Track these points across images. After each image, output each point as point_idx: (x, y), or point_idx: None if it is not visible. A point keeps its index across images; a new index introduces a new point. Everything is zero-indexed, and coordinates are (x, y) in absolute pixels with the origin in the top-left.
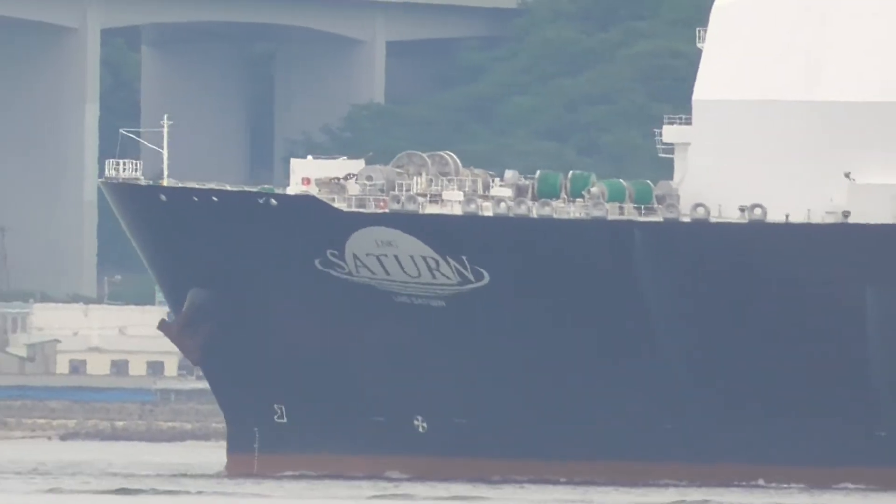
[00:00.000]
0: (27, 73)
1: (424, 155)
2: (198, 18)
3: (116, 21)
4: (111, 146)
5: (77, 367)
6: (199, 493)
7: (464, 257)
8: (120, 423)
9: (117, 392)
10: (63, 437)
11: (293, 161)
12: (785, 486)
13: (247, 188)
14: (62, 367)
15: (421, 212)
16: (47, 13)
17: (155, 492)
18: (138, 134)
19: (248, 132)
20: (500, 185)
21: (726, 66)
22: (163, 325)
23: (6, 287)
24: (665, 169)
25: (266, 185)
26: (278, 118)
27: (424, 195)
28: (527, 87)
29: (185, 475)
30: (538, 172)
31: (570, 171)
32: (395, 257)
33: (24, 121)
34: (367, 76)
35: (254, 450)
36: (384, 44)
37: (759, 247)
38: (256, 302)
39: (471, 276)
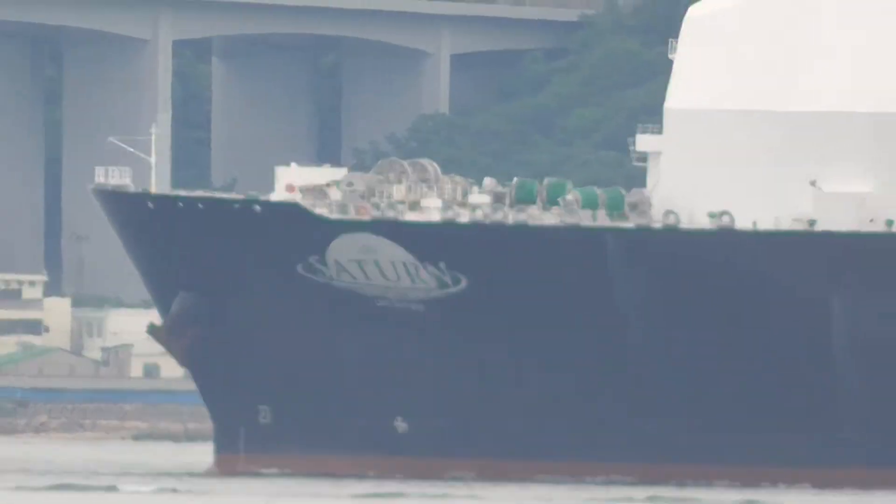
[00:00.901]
0: (101, 83)
1: (405, 162)
2: (266, 30)
3: (187, 33)
4: (183, 155)
5: (150, 371)
6: (188, 491)
7: (442, 263)
8: (192, 426)
9: (190, 395)
10: (136, 438)
11: (278, 169)
12: (753, 486)
13: (233, 195)
14: (136, 370)
15: (400, 218)
16: (120, 25)
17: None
18: (130, 143)
19: (315, 141)
20: (479, 193)
21: (697, 76)
22: (151, 329)
23: (82, 293)
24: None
25: (252, 192)
26: (345, 128)
27: (404, 202)
28: (588, 99)
29: (169, 474)
30: (515, 180)
31: (546, 179)
32: (376, 263)
33: (98, 130)
34: (433, 87)
35: (239, 449)
36: (449, 56)
37: (727, 253)
38: (241, 306)
39: (449, 281)
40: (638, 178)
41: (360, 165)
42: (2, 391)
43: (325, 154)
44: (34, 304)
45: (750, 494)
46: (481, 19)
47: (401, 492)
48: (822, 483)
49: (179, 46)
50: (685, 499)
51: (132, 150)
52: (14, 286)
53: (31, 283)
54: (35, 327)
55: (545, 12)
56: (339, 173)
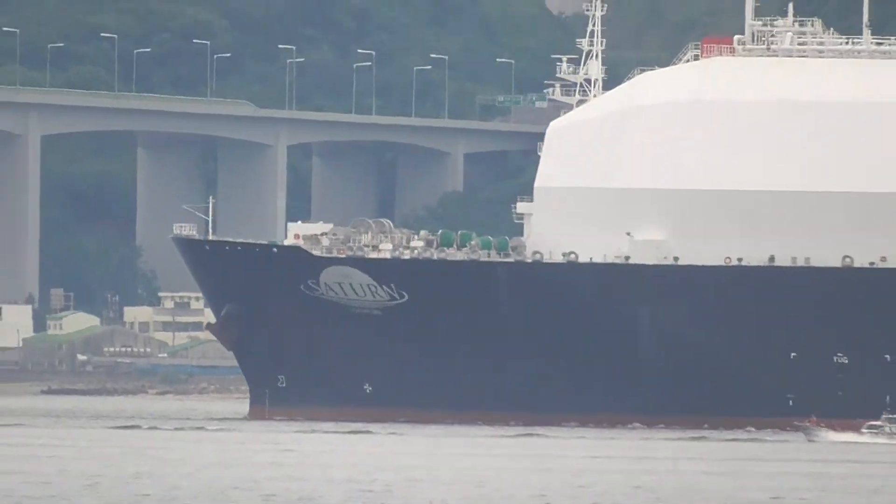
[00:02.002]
0: (238, 176)
1: (370, 221)
2: (350, 138)
3: (299, 139)
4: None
5: None
6: (230, 430)
7: (392, 284)
8: None
9: None
10: None
11: (290, 224)
12: (592, 426)
13: (261, 241)
14: None
15: (366, 256)
16: (250, 133)
17: (192, 428)
18: (201, 209)
19: (378, 210)
20: (417, 240)
21: (554, 165)
22: (210, 327)
23: None
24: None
25: (273, 240)
26: (398, 201)
27: (369, 246)
28: None
29: (212, 418)
30: (440, 231)
31: (459, 231)
32: (350, 284)
33: (238, 211)
34: (453, 175)
35: (265, 404)
36: (462, 155)
37: (573, 278)
38: (266, 312)
39: (396, 296)
40: (519, 230)
41: (405, 224)
42: (180, 368)
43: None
44: (198, 311)
45: (574, 429)
46: (483, 131)
47: (367, 429)
48: (630, 422)
49: (292, 149)
50: (535, 433)
51: (197, 213)
52: (185, 300)
53: (197, 298)
54: (199, 326)
55: (525, 127)
56: (328, 227)
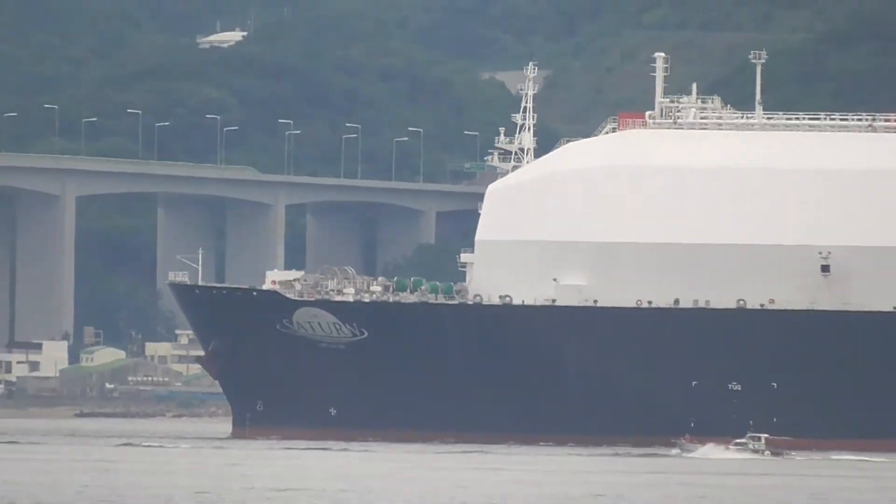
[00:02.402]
0: (244, 231)
1: (335, 268)
2: (338, 199)
3: (295, 199)
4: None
5: None
6: (218, 447)
7: (354, 323)
8: None
9: None
10: None
11: (267, 273)
12: (528, 444)
13: (244, 286)
14: None
15: (332, 299)
16: (254, 195)
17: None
18: (191, 259)
19: (361, 263)
20: (375, 285)
21: (492, 222)
22: (199, 359)
23: None
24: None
25: (252, 284)
26: (379, 253)
27: (334, 290)
28: None
29: (201, 437)
30: (395, 278)
31: (412, 277)
32: (318, 323)
33: (243, 260)
34: (426, 230)
35: (246, 425)
36: (435, 213)
37: (508, 318)
38: (246, 346)
39: (358, 333)
40: (463, 276)
41: (385, 273)
42: (193, 395)
43: (367, 268)
44: None
45: (512, 448)
46: (453, 193)
47: (329, 447)
48: (560, 442)
49: (290, 208)
50: (485, 451)
51: (188, 261)
52: None
53: None
54: None
55: None
56: (300, 274)
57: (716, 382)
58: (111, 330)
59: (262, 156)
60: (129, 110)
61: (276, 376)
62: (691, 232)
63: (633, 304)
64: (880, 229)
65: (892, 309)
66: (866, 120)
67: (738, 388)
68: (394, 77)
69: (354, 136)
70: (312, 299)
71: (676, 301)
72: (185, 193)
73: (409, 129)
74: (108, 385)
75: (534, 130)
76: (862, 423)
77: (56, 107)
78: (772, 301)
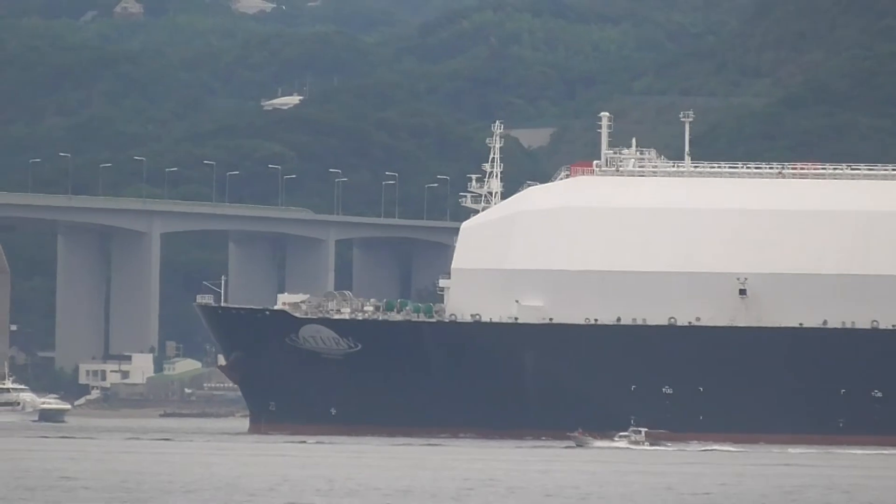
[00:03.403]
0: (301, 263)
1: (335, 292)
2: (380, 235)
3: (344, 236)
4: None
5: None
6: (235, 441)
7: (350, 337)
8: None
9: None
10: None
11: (279, 295)
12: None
13: (259, 307)
14: None
15: (332, 318)
16: (309, 232)
17: (200, 439)
18: (215, 287)
19: (398, 290)
20: (369, 305)
21: (465, 254)
22: (221, 367)
23: None
24: None
25: (267, 306)
26: (413, 281)
27: (334, 310)
28: None
29: (224, 433)
30: (385, 300)
31: (399, 300)
32: (321, 338)
33: (300, 287)
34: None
35: (261, 423)
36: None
37: (478, 333)
38: (260, 357)
39: (353, 346)
40: (441, 299)
41: (420, 297)
42: None
43: (403, 292)
44: None
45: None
46: None
47: (332, 441)
48: (519, 436)
49: (339, 243)
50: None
51: (212, 287)
52: None
53: None
54: None
55: None
56: (306, 297)
57: (651, 387)
58: (190, 344)
59: (316, 199)
60: (205, 162)
61: (286, 382)
62: (631, 261)
63: (582, 322)
64: (788, 259)
65: (797, 325)
66: (776, 168)
67: (671, 391)
68: (425, 134)
69: (392, 182)
70: (315, 317)
71: (619, 319)
72: (251, 231)
73: (438, 176)
74: (186, 390)
75: (500, 176)
76: (774, 420)
77: (144, 159)
78: (698, 319)
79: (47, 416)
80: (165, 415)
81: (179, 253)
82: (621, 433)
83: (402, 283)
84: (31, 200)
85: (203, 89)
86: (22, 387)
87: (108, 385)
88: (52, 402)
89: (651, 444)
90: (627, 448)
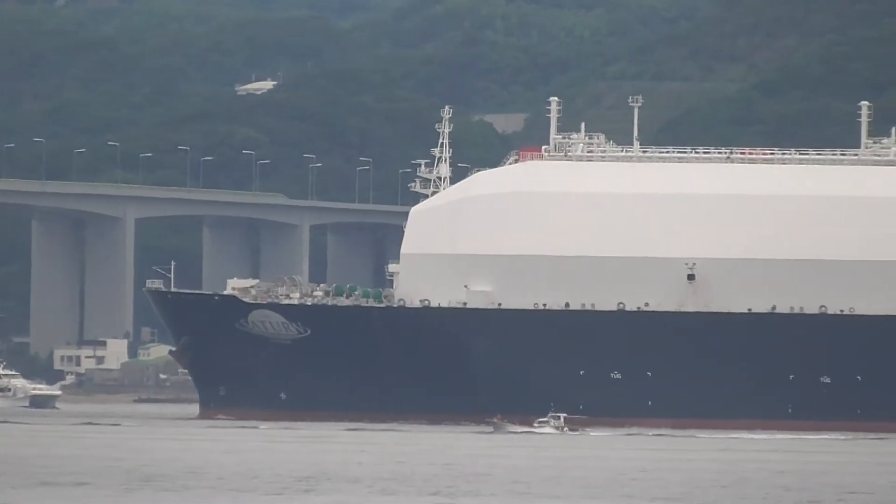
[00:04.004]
0: (275, 248)
1: (285, 277)
2: (354, 220)
3: (318, 221)
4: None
5: None
6: (183, 426)
7: (299, 322)
8: None
9: None
10: None
11: (228, 281)
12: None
13: (208, 292)
14: None
15: (281, 303)
16: (283, 217)
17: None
18: (165, 272)
19: (373, 275)
20: (318, 291)
21: (414, 238)
22: (171, 352)
23: None
24: None
25: (218, 291)
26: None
27: (283, 295)
28: None
29: (175, 417)
30: (334, 285)
31: (348, 284)
32: (270, 322)
33: (275, 273)
34: None
35: (211, 408)
36: None
37: (427, 318)
38: (211, 342)
39: (303, 331)
40: (391, 283)
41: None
42: None
43: (378, 277)
44: None
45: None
46: None
47: (284, 427)
48: (473, 421)
49: (314, 228)
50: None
51: (162, 272)
52: None
53: None
54: None
55: None
56: (255, 282)
57: (600, 372)
58: (164, 330)
59: (290, 184)
60: (179, 147)
61: (236, 367)
62: (580, 246)
63: (531, 307)
64: (736, 244)
65: (746, 311)
66: (725, 153)
67: (619, 376)
68: (399, 119)
69: (367, 168)
70: (264, 302)
71: (567, 304)
72: (225, 216)
73: (412, 161)
74: (161, 376)
75: (449, 161)
76: (722, 405)
77: (118, 144)
78: (647, 304)
79: (38, 402)
80: (140, 400)
81: (154, 238)
82: (541, 419)
83: (377, 268)
84: (5, 185)
85: (177, 74)
86: (13, 373)
87: (83, 371)
88: (43, 389)
89: (570, 430)
90: (543, 434)
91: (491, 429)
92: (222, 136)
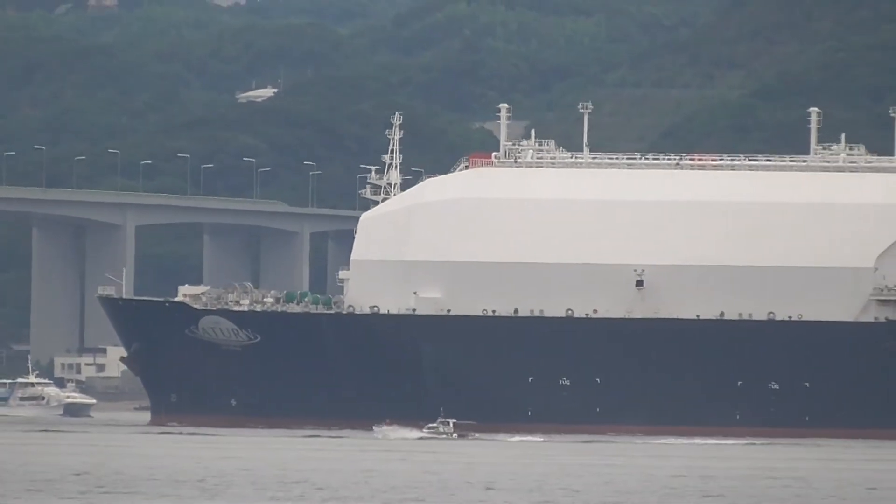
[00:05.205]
0: (275, 255)
1: (235, 284)
2: (354, 227)
3: (318, 228)
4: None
5: None
6: (137, 433)
7: (249, 328)
8: None
9: None
10: None
11: (180, 287)
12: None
13: (160, 298)
14: None
15: (231, 309)
16: (284, 224)
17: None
18: (116, 279)
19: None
20: (268, 297)
21: (364, 245)
22: (122, 359)
23: None
24: None
25: (168, 298)
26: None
27: (234, 301)
28: None
29: (131, 424)
30: (285, 292)
31: (299, 291)
32: (220, 329)
33: (275, 280)
34: None
35: (162, 414)
36: None
37: (377, 324)
38: (162, 348)
39: (252, 337)
40: (341, 290)
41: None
42: None
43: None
44: None
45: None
46: None
47: (232, 434)
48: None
49: (314, 235)
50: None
51: (113, 278)
52: None
53: None
54: None
55: None
56: (206, 288)
57: (549, 378)
58: None
59: (291, 192)
60: (179, 154)
61: (187, 373)
62: (528, 253)
63: (479, 313)
64: (685, 251)
65: (694, 317)
66: (674, 159)
67: (568, 382)
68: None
69: (366, 175)
70: (215, 309)
71: (516, 310)
72: (226, 223)
73: (413, 168)
74: None
75: (399, 168)
76: (671, 412)
77: (118, 151)
78: (595, 311)
79: (72, 410)
80: (141, 408)
81: (154, 246)
82: (430, 424)
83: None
84: (5, 193)
85: (177, 82)
86: (46, 381)
87: (84, 378)
88: (77, 397)
89: (459, 436)
90: (428, 439)
91: (380, 435)
92: (222, 143)
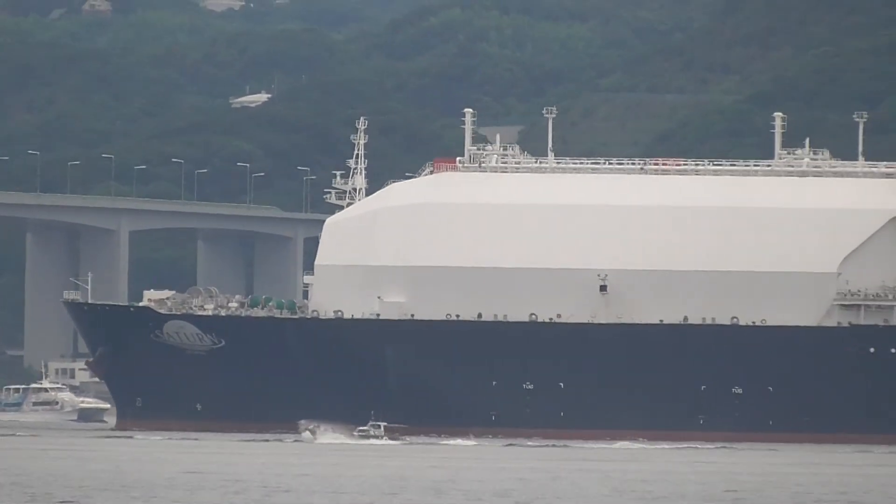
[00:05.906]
0: (269, 260)
1: (200, 288)
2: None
3: (312, 233)
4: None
5: None
6: (105, 437)
7: (213, 333)
8: None
9: None
10: None
11: (145, 292)
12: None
13: (124, 303)
14: None
15: (195, 314)
16: (277, 229)
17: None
18: (81, 283)
19: None
20: (233, 301)
21: (329, 250)
22: (87, 363)
23: None
24: None
25: (133, 302)
26: None
27: (198, 306)
28: None
29: (96, 428)
30: (250, 296)
31: (264, 296)
32: (185, 333)
33: (270, 283)
34: None
35: (128, 418)
36: None
37: (340, 329)
38: (127, 353)
39: (217, 342)
40: (306, 294)
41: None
42: None
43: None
44: None
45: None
46: None
47: (199, 438)
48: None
49: (307, 240)
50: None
51: (80, 283)
52: None
53: None
54: None
55: None
56: (171, 293)
57: (512, 382)
58: None
59: (285, 197)
60: (173, 159)
61: (152, 378)
62: (492, 257)
63: (443, 318)
64: (649, 255)
65: (658, 322)
66: (639, 164)
67: (531, 387)
68: (392, 131)
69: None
70: (179, 314)
71: (479, 315)
72: (220, 228)
73: (406, 174)
74: None
75: (364, 173)
76: (634, 416)
77: (112, 156)
78: (559, 315)
79: (86, 415)
80: None
81: (148, 251)
82: (361, 428)
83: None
84: None
85: (171, 87)
86: (60, 386)
87: (78, 383)
88: (91, 402)
89: (390, 439)
90: (375, 442)
91: (313, 437)
92: (216, 148)
